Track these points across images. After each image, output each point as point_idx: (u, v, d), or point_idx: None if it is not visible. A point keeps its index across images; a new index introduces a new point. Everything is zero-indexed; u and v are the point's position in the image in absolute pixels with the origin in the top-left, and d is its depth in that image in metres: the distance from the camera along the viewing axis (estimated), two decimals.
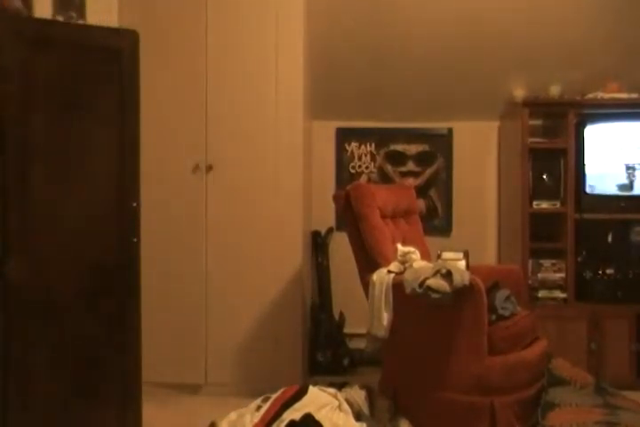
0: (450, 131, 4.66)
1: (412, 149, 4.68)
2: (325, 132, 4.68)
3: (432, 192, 4.68)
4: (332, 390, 3.16)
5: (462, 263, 3.26)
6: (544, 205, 4.15)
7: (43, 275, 2.50)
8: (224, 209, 3.89)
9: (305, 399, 3.02)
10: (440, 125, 4.66)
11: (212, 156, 3.89)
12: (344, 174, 4.70)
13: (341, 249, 4.16)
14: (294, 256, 3.90)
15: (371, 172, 4.70)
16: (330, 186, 4.66)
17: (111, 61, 2.67)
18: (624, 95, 4.13)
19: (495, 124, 4.66)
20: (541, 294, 4.12)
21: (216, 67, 3.88)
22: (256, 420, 2.93)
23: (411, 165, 4.68)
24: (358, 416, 3.08)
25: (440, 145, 4.66)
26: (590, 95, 4.16)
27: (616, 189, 4.07)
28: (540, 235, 4.18)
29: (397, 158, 4.68)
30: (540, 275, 4.15)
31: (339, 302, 4.43)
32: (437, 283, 2.99)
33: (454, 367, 3.03)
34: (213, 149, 3.89)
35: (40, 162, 2.49)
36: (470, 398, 2.99)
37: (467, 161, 4.66)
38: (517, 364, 3.05)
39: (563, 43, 4.19)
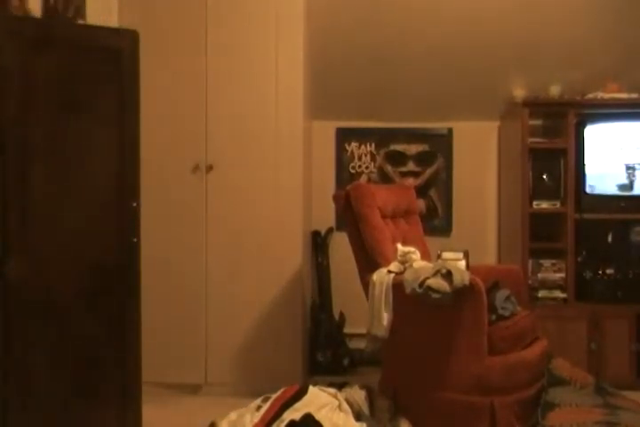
0: (450, 131, 4.66)
1: (412, 148, 4.68)
2: (325, 132, 4.68)
3: (432, 192, 4.68)
4: (332, 390, 3.16)
5: (462, 263, 3.26)
6: (544, 205, 4.15)
7: (43, 275, 2.50)
8: (224, 209, 3.89)
9: (305, 399, 3.02)
10: (440, 125, 4.66)
11: (212, 156, 3.89)
12: (344, 174, 4.70)
13: (341, 249, 4.16)
14: (294, 256, 3.90)
15: (371, 172, 4.70)
16: (330, 186, 4.66)
17: (111, 61, 2.67)
18: (624, 95, 4.13)
19: (495, 124, 4.66)
20: (541, 294, 4.12)
21: (216, 67, 3.88)
22: (256, 420, 2.93)
23: (411, 165, 4.68)
24: (358, 416, 3.08)
25: (440, 145, 4.67)
26: (590, 95, 4.16)
27: (616, 189, 4.07)
28: (540, 235, 4.18)
29: (397, 158, 4.69)
30: (539, 275, 4.15)
31: (339, 302, 4.43)
32: (437, 283, 2.99)
33: (454, 367, 3.03)
34: (213, 149, 3.89)
35: (40, 162, 2.49)
36: (470, 398, 2.99)
37: (467, 161, 4.66)
38: (517, 364, 3.05)
39: (563, 43, 4.19)
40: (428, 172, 4.68)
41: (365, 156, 4.70)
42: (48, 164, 2.51)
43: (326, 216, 4.54)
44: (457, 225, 4.66)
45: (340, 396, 3.13)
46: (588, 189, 4.07)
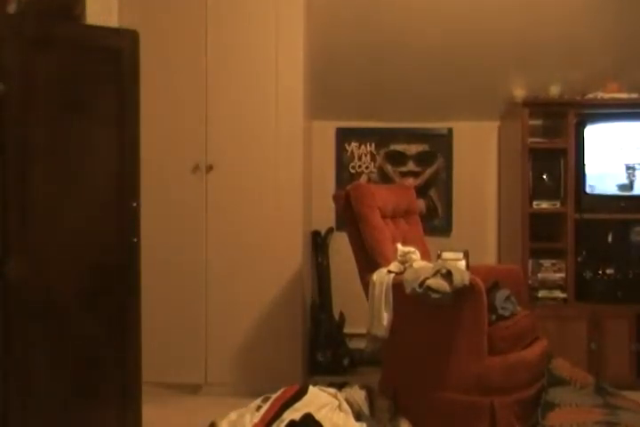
0: (450, 131, 4.66)
1: (412, 149, 4.68)
2: (325, 132, 4.68)
3: (432, 192, 4.68)
4: (332, 390, 3.16)
5: (462, 263, 3.26)
6: (544, 205, 4.15)
7: (43, 275, 2.50)
8: (224, 209, 3.89)
9: (305, 399, 3.01)
10: (440, 125, 4.66)
11: (212, 156, 3.89)
12: (344, 174, 4.70)
13: (341, 249, 4.16)
14: (294, 256, 3.90)
15: (371, 172, 4.70)
16: (330, 186, 4.66)
17: (111, 61, 2.67)
18: (624, 95, 4.13)
19: (495, 124, 4.66)
20: (541, 293, 4.12)
21: (216, 67, 3.88)
22: (256, 420, 2.93)
23: (411, 165, 4.68)
24: (358, 416, 3.08)
25: (440, 145, 4.67)
26: (590, 95, 4.16)
27: (616, 189, 4.07)
28: (540, 235, 4.18)
29: (397, 158, 4.69)
30: (539, 275, 4.15)
31: (339, 302, 4.43)
32: (437, 283, 2.99)
33: (454, 367, 3.03)
34: (213, 149, 3.89)
35: (40, 162, 2.49)
36: (470, 398, 2.99)
37: (467, 161, 4.66)
38: (517, 364, 3.05)
39: (563, 43, 4.19)
40: (428, 172, 4.68)
41: (365, 156, 4.70)
42: (48, 164, 2.51)
43: (326, 216, 4.54)
44: (457, 225, 4.66)
45: (340, 396, 3.13)
46: (588, 189, 4.07)
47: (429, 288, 2.99)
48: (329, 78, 4.42)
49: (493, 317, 3.12)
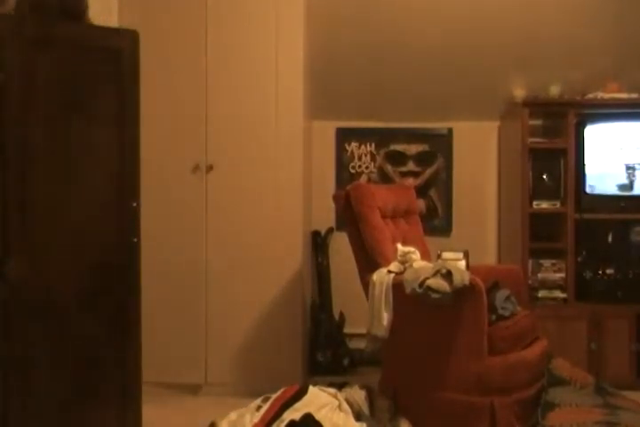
0: (450, 131, 4.66)
1: (412, 149, 4.68)
2: (325, 132, 4.68)
3: (432, 192, 4.68)
4: (332, 390, 3.16)
5: (462, 263, 3.27)
6: (544, 205, 4.15)
7: (43, 275, 2.50)
8: (224, 209, 3.89)
9: (305, 399, 3.02)
10: (440, 125, 4.66)
11: (212, 156, 3.89)
12: (344, 174, 4.70)
13: (341, 249, 4.16)
14: (294, 256, 3.90)
15: (371, 172, 4.70)
16: (330, 186, 4.66)
17: (111, 61, 2.67)
18: (624, 95, 4.13)
19: (495, 124, 4.66)
20: (541, 293, 4.12)
21: (216, 67, 3.88)
22: (256, 420, 2.94)
23: (411, 165, 4.68)
24: (358, 416, 3.08)
25: (440, 145, 4.67)
26: (590, 95, 4.16)
27: (616, 189, 4.07)
28: (540, 235, 4.18)
29: (397, 158, 4.69)
30: (539, 275, 4.15)
31: (339, 302, 4.43)
32: (437, 283, 2.99)
33: (454, 367, 3.03)
34: (213, 149, 3.89)
35: (40, 162, 2.49)
36: (470, 398, 2.99)
37: (467, 161, 4.66)
38: (517, 364, 3.05)
39: (563, 42, 4.19)
40: (428, 172, 4.68)
41: (365, 156, 4.70)
42: (48, 164, 2.51)
43: (326, 216, 4.54)
44: (457, 225, 4.66)
45: (340, 396, 3.13)
46: (588, 189, 4.07)
47: (429, 288, 2.99)
48: (329, 78, 4.42)
49: (493, 317, 3.12)
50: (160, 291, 3.81)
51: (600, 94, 4.14)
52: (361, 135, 4.69)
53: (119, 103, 2.70)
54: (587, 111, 4.16)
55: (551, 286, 4.13)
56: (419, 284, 3.02)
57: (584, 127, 4.08)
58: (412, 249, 3.40)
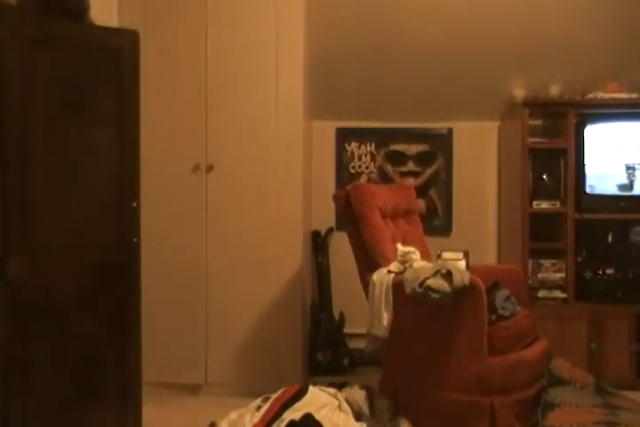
0: (450, 131, 4.66)
1: (412, 149, 4.68)
2: (325, 132, 4.69)
3: (432, 192, 4.68)
4: (332, 390, 3.16)
5: (462, 263, 3.26)
6: (544, 205, 4.15)
7: (43, 275, 2.50)
8: (224, 209, 3.89)
9: (305, 399, 3.02)
10: (440, 125, 4.66)
11: (212, 156, 3.89)
12: (344, 174, 4.70)
13: (341, 249, 4.16)
14: (294, 256, 3.90)
15: (371, 172, 4.70)
16: (330, 186, 4.66)
17: (111, 61, 2.67)
18: (624, 95, 4.13)
19: (495, 124, 4.66)
20: (541, 293, 4.12)
21: (216, 67, 3.88)
22: (256, 420, 2.94)
23: (411, 165, 4.68)
24: (358, 416, 3.08)
25: (440, 145, 4.67)
26: (590, 95, 4.16)
27: (616, 189, 4.07)
28: (540, 235, 4.18)
29: (397, 158, 4.69)
30: (539, 275, 4.15)
31: (339, 302, 4.43)
32: (437, 283, 2.99)
33: (454, 367, 3.03)
34: (213, 149, 3.89)
35: (40, 162, 2.49)
36: (470, 398, 2.99)
37: (467, 161, 4.66)
38: (517, 364, 3.05)
39: (563, 42, 4.19)
40: (428, 172, 4.68)
41: (365, 156, 4.70)
42: (48, 164, 2.51)
43: (326, 216, 4.54)
44: (457, 225, 4.66)
45: (340, 396, 3.13)
46: (588, 189, 4.07)
47: (429, 288, 2.99)
48: (329, 78, 4.42)
49: (493, 317, 3.12)
50: (160, 291, 3.81)
51: (600, 94, 4.14)
52: (361, 135, 4.69)
53: (119, 103, 2.70)
54: (587, 111, 4.16)
55: (551, 286, 4.14)
56: (419, 284, 3.02)
57: (584, 127, 4.08)
58: (412, 249, 3.40)
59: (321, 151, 4.66)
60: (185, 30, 3.89)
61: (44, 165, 2.50)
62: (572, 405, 2.94)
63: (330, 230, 4.61)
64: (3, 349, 2.37)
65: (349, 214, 3.52)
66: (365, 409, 3.13)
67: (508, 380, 3.00)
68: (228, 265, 3.89)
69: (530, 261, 4.13)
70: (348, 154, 4.71)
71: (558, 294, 4.11)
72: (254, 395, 3.21)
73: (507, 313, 3.20)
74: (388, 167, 4.69)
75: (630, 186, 4.06)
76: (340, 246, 4.23)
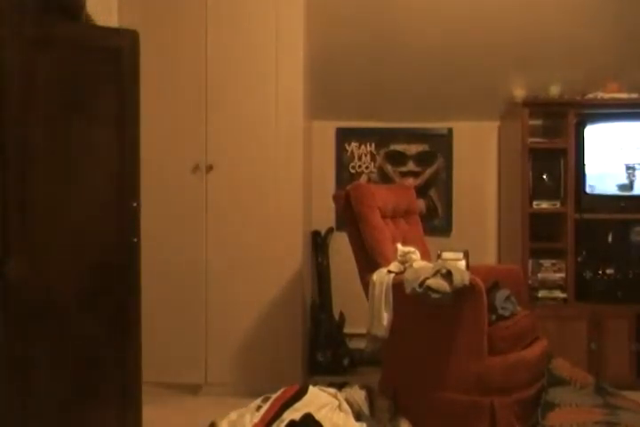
0: (450, 131, 4.66)
1: (412, 149, 4.68)
2: (325, 132, 4.69)
3: (432, 192, 4.68)
4: (332, 390, 3.16)
5: (462, 263, 3.26)
6: (544, 205, 4.15)
7: (43, 275, 2.50)
8: (224, 209, 3.89)
9: (305, 399, 3.02)
10: (440, 125, 4.66)
11: (212, 156, 3.89)
12: (344, 174, 4.70)
13: (341, 249, 4.16)
14: (294, 256, 3.90)
15: (371, 172, 4.70)
16: (330, 186, 4.66)
17: (111, 61, 2.67)
18: (624, 95, 4.13)
19: (495, 124, 4.66)
20: (541, 293, 4.12)
21: (216, 67, 3.88)
22: (256, 420, 2.94)
23: (411, 165, 4.68)
24: (358, 416, 3.08)
25: (440, 145, 4.67)
26: (590, 95, 4.16)
27: (616, 189, 4.07)
28: (540, 235, 4.18)
29: (397, 158, 4.69)
30: (539, 275, 4.15)
31: (339, 302, 4.43)
32: (437, 283, 2.99)
33: (454, 367, 3.03)
34: (213, 149, 3.89)
35: (40, 162, 2.49)
36: (470, 397, 2.99)
37: (467, 161, 4.66)
38: (517, 364, 3.05)
39: (563, 42, 4.19)
40: (428, 172, 4.68)
41: (365, 156, 4.70)
42: (48, 164, 2.51)
43: (326, 216, 4.54)
44: (457, 225, 4.66)
45: (340, 396, 3.13)
46: (587, 189, 4.07)
47: (429, 288, 2.99)
48: (329, 78, 4.42)
49: (493, 317, 3.12)
50: (160, 291, 3.81)
51: (600, 94, 4.14)
52: (361, 135, 4.69)
53: (119, 103, 2.70)
54: (587, 111, 4.16)
55: (551, 286, 4.13)
56: (419, 284, 3.02)
57: (584, 127, 4.08)
58: (412, 249, 3.40)
59: (321, 151, 4.66)
60: (185, 30, 3.89)
61: (44, 165, 2.50)
62: (572, 405, 2.94)
63: (330, 230, 4.61)
64: (3, 349, 2.37)
65: (349, 214, 3.51)
66: (365, 409, 3.13)
67: (508, 380, 3.00)
68: (228, 265, 3.89)
69: (530, 261, 4.13)
70: (348, 154, 4.71)
71: (558, 294, 4.11)
72: (254, 395, 3.20)
73: (507, 313, 3.20)
74: (388, 167, 4.69)
75: (630, 186, 4.06)
76: (340, 246, 4.23)
